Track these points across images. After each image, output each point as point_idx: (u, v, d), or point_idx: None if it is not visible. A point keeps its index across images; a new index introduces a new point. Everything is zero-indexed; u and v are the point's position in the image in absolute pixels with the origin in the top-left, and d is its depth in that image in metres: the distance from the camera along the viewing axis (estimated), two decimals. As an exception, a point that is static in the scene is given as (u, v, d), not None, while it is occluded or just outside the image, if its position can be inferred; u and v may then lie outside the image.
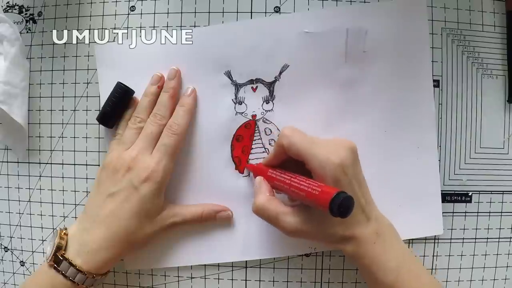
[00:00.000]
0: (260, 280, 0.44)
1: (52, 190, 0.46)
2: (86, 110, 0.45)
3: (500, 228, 0.45)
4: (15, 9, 0.46)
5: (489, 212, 0.45)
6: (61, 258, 0.37)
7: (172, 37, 0.43)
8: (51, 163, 0.46)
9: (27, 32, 0.46)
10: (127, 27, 0.45)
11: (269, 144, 0.44)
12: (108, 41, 0.45)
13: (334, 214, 0.31)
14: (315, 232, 0.36)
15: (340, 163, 0.34)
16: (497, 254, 0.45)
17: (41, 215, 0.46)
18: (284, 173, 0.38)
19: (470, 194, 0.44)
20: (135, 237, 0.39)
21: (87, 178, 0.45)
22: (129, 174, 0.39)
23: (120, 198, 0.39)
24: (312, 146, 0.35)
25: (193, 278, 0.45)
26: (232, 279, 0.45)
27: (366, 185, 0.37)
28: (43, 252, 0.46)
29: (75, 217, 0.46)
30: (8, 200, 0.47)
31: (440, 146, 0.44)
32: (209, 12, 0.44)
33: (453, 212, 0.44)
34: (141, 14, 0.44)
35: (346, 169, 0.34)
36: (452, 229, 0.44)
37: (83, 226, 0.39)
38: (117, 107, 0.42)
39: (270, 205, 0.37)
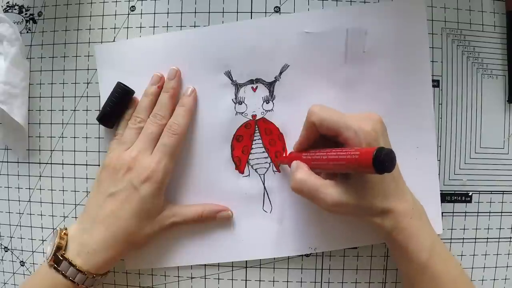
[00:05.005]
0: (260, 280, 0.44)
1: (52, 190, 0.46)
2: (86, 110, 0.45)
3: (500, 228, 0.45)
4: (15, 9, 0.46)
5: (489, 212, 0.45)
6: (61, 258, 0.37)
7: (172, 37, 0.43)
8: (51, 163, 0.46)
9: (27, 32, 0.46)
10: (127, 27, 0.45)
11: (269, 144, 0.44)
12: (108, 41, 0.45)
13: (379, 169, 0.31)
14: (355, 204, 0.35)
15: (372, 130, 0.35)
16: (497, 254, 0.45)
17: (41, 215, 0.46)
18: (318, 151, 0.37)
19: (470, 194, 0.44)
20: (135, 237, 0.39)
21: (87, 178, 0.45)
22: (129, 174, 0.39)
23: (121, 198, 0.39)
24: (343, 117, 0.36)
25: (193, 278, 0.45)
26: (232, 279, 0.45)
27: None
28: (43, 252, 0.46)
29: (75, 217, 0.46)
30: (8, 200, 0.47)
31: (440, 146, 0.44)
32: (209, 12, 0.44)
33: (453, 212, 0.44)
34: (141, 14, 0.44)
35: (378, 137, 0.35)
36: (452, 229, 0.44)
37: (83, 226, 0.39)
38: (117, 107, 0.42)
39: (310, 179, 0.36)
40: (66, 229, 0.40)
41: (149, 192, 0.39)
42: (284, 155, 0.43)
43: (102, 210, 0.39)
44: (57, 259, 0.37)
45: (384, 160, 0.31)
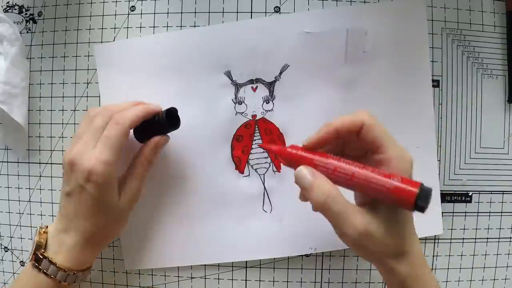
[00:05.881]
0: (260, 280, 0.44)
1: (52, 190, 0.46)
2: (86, 110, 0.45)
3: (500, 228, 0.45)
4: (15, 9, 0.46)
5: (489, 212, 0.45)
6: (41, 257, 0.37)
7: (172, 37, 0.43)
8: (51, 163, 0.46)
9: (27, 32, 0.46)
10: (127, 27, 0.45)
11: (269, 144, 0.43)
12: (108, 41, 0.45)
13: (419, 207, 0.29)
14: (381, 239, 0.32)
15: (412, 161, 0.33)
16: (497, 254, 0.45)
17: (41, 215, 0.46)
18: (341, 160, 0.32)
19: (470, 194, 0.44)
20: (106, 231, 0.39)
21: (87, 178, 0.45)
22: (74, 172, 0.37)
23: (75, 198, 0.37)
24: (390, 135, 0.33)
25: (193, 278, 0.45)
26: (232, 279, 0.45)
27: None
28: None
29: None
30: (8, 200, 0.47)
31: (440, 146, 0.44)
32: (209, 12, 0.44)
33: (453, 212, 0.44)
34: (141, 14, 0.44)
35: (412, 169, 0.33)
36: (452, 229, 0.44)
37: (59, 225, 0.38)
38: (157, 128, 0.40)
39: (340, 198, 0.32)
40: (46, 227, 0.39)
41: (96, 191, 0.37)
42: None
43: (67, 210, 0.38)
44: (38, 258, 0.37)
45: (426, 200, 0.29)
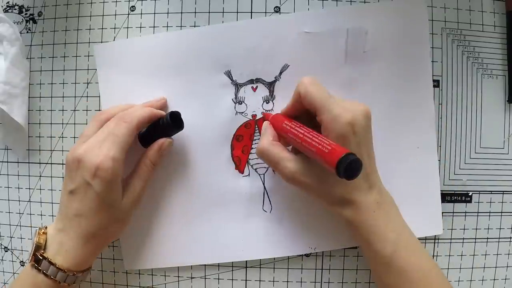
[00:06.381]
0: (260, 280, 0.44)
1: (52, 190, 0.46)
2: (86, 110, 0.45)
3: (500, 228, 0.45)
4: (15, 9, 0.46)
5: (489, 212, 0.45)
6: (41, 258, 0.37)
7: (172, 37, 0.43)
8: (51, 163, 0.46)
9: (27, 32, 0.46)
10: (127, 27, 0.45)
11: (269, 144, 0.44)
12: (108, 41, 0.45)
13: (340, 174, 0.31)
14: (314, 186, 0.36)
15: (351, 121, 0.34)
16: (497, 254, 0.45)
17: (41, 215, 0.46)
18: (299, 127, 0.37)
19: (470, 194, 0.44)
20: (107, 231, 0.39)
21: (87, 178, 0.45)
22: (80, 169, 0.37)
23: (80, 196, 0.37)
24: (328, 99, 0.36)
25: (193, 278, 0.45)
26: (232, 279, 0.45)
27: (374, 155, 0.38)
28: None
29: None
30: (8, 200, 0.47)
31: (440, 146, 0.44)
32: (209, 12, 0.44)
33: (453, 212, 0.44)
34: (141, 14, 0.44)
35: (356, 128, 0.34)
36: (452, 229, 0.44)
37: (59, 226, 0.38)
38: (161, 132, 0.41)
39: (273, 149, 0.37)
40: (46, 227, 0.39)
41: (102, 187, 0.37)
42: None
43: (69, 209, 0.38)
44: (37, 259, 0.37)
45: (346, 168, 0.31)
